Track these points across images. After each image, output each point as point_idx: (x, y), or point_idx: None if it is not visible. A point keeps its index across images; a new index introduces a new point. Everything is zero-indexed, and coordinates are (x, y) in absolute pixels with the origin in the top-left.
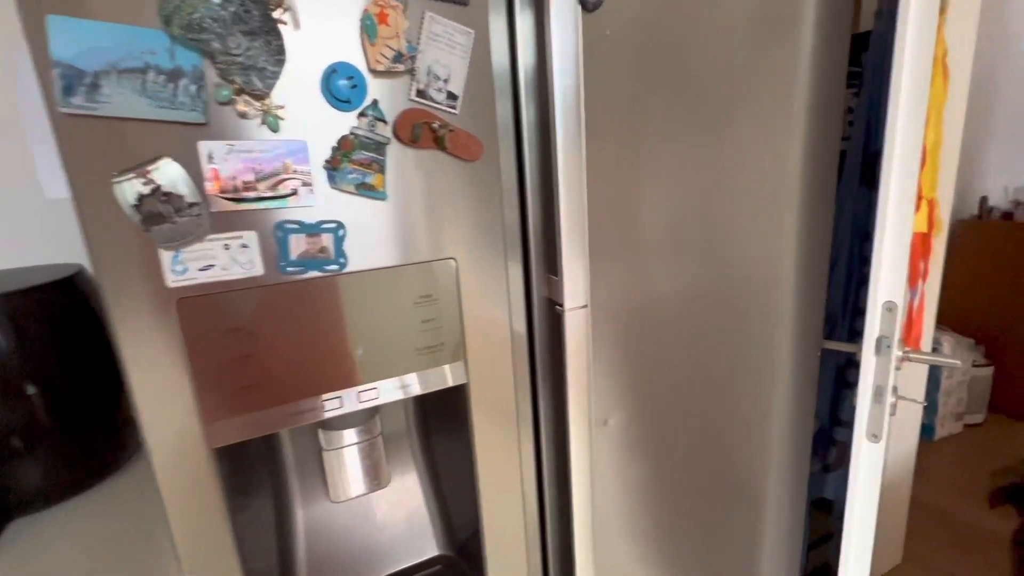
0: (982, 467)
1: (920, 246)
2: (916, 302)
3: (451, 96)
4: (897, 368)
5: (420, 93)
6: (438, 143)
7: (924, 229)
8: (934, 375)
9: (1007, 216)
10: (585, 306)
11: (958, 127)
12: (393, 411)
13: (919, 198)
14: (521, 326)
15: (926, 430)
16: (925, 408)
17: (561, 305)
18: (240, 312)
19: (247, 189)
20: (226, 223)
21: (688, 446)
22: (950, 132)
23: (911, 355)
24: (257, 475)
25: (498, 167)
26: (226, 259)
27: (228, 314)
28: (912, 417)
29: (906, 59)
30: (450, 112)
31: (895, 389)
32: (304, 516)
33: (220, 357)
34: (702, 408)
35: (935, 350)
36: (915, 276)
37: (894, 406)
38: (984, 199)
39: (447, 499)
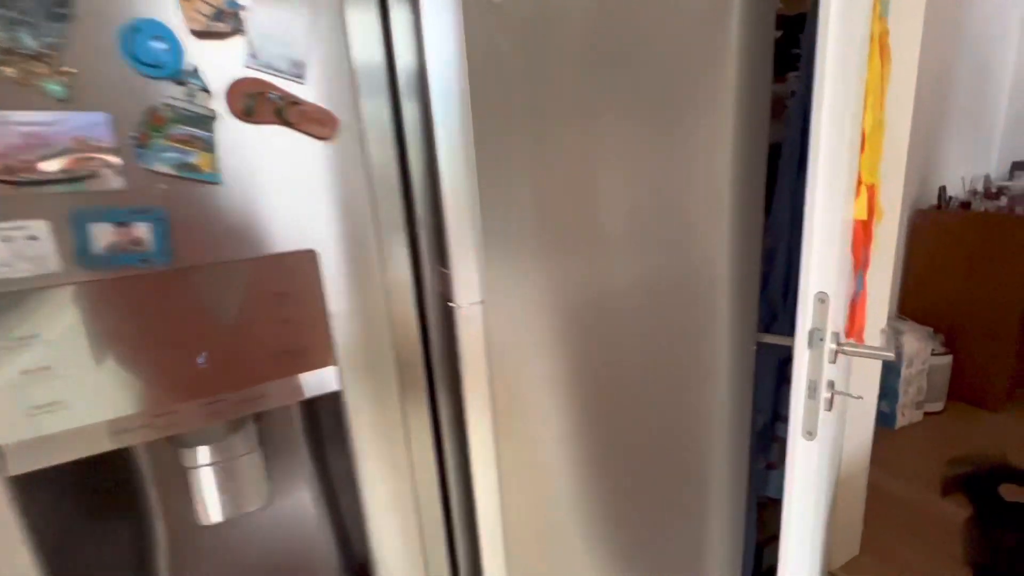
0: (941, 455)
1: (861, 234)
2: (859, 292)
3: (296, 64)
4: (831, 361)
5: (255, 59)
6: (280, 117)
7: (864, 216)
8: (894, 365)
9: (965, 206)
10: (481, 302)
11: (906, 111)
12: (281, 419)
13: (858, 183)
14: (410, 326)
15: (887, 419)
16: (886, 397)
17: (453, 302)
18: (33, 317)
19: (26, 170)
20: (4, 211)
21: (624, 447)
22: (898, 116)
23: (845, 348)
24: (110, 498)
25: (361, 146)
26: (8, 254)
27: (17, 321)
28: (868, 407)
29: (830, 38)
30: (295, 82)
31: (832, 384)
32: (169, 541)
33: (8, 373)
34: (637, 406)
35: (895, 339)
36: (856, 265)
37: (830, 401)
38: (943, 189)
39: (344, 517)
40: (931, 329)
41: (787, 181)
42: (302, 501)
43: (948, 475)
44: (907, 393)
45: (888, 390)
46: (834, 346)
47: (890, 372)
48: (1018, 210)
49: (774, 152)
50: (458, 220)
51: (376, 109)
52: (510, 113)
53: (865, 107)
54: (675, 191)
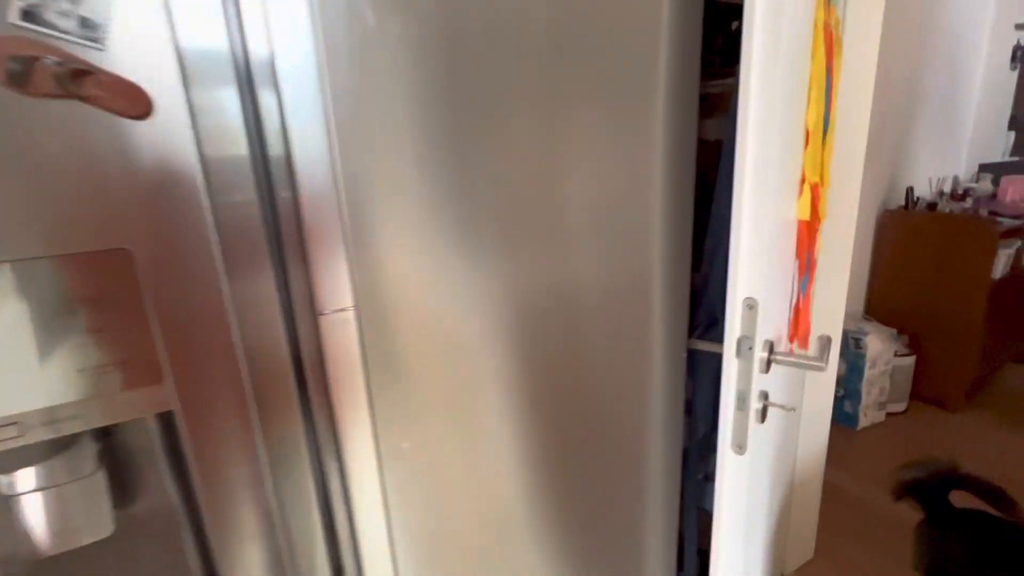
0: (902, 456)
1: (805, 235)
2: (803, 296)
3: (88, 24)
4: (763, 371)
5: (28, 15)
6: (64, 88)
7: (806, 217)
8: (857, 366)
9: (931, 207)
10: (348, 308)
11: (864, 108)
12: (136, 435)
13: (801, 182)
14: (272, 336)
15: (849, 419)
16: (849, 398)
17: (318, 309)
18: None
19: None
20: None
21: (556, 455)
22: (856, 113)
23: (776, 357)
24: None
25: (194, 133)
26: None
27: None
28: (823, 411)
29: (756, 23)
30: (89, 45)
31: (765, 394)
32: None
33: None
34: (567, 412)
35: (858, 341)
36: (801, 268)
37: (762, 412)
38: (910, 190)
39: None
40: (895, 330)
41: (727, 181)
42: (155, 528)
43: (899, 480)
44: (870, 394)
45: (851, 391)
46: (765, 355)
47: (853, 373)
48: (982, 212)
49: (718, 149)
50: (317, 219)
51: (221, 93)
52: (395, 104)
53: (808, 101)
54: (601, 189)
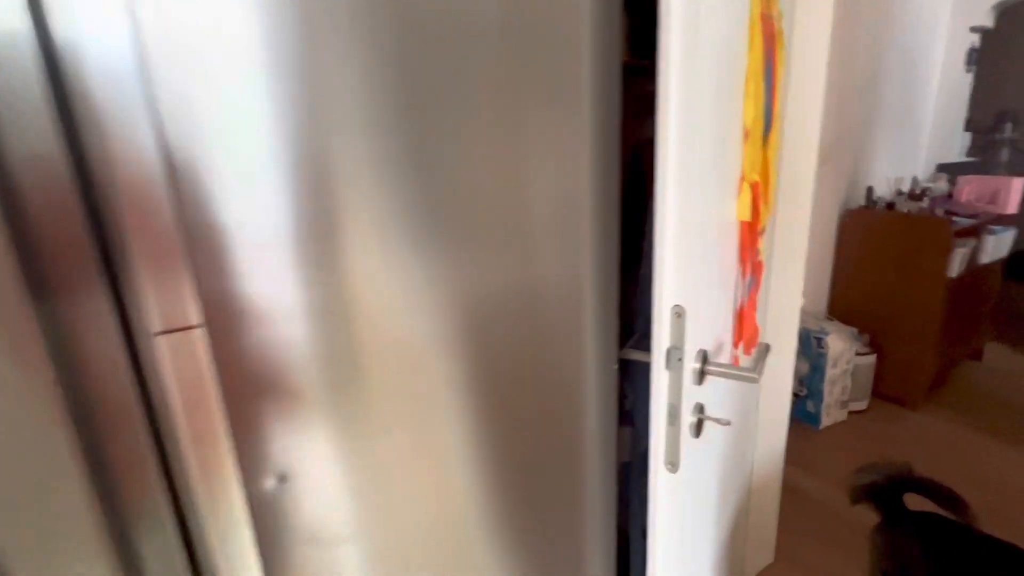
0: (863, 455)
1: (747, 236)
2: (747, 300)
3: None
4: (697, 383)
5: None
6: None
7: (747, 217)
8: (819, 365)
9: (890, 206)
10: (194, 327)
11: (815, 106)
12: None
13: (740, 181)
14: (108, 361)
15: (812, 418)
16: (811, 397)
17: (157, 328)
18: None
19: None
20: None
21: (490, 469)
22: (804, 111)
23: (710, 368)
24: None
25: None
26: None
27: None
28: (780, 416)
29: (673, 13)
30: None
31: (700, 407)
32: None
33: None
34: (500, 425)
35: (820, 341)
36: (744, 271)
37: (697, 427)
38: (870, 189)
39: None
40: (856, 329)
41: None
42: None
43: (855, 484)
44: (832, 393)
45: (814, 390)
46: (698, 365)
47: (816, 372)
48: (938, 211)
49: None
50: (141, 228)
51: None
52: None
53: (745, 96)
54: (526, 187)
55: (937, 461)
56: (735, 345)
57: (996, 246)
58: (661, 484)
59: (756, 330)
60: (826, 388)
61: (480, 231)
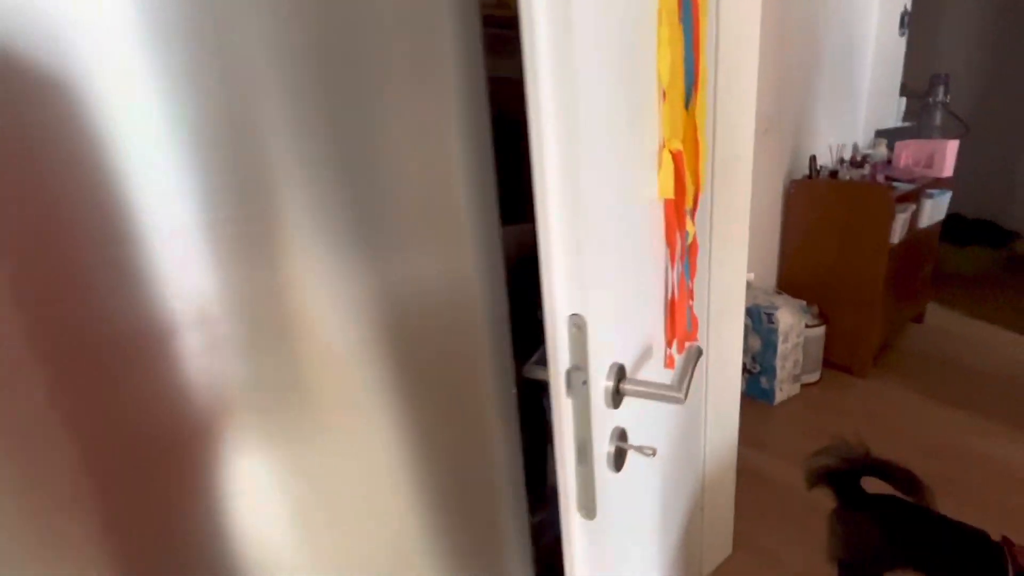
0: (818, 429)
1: (673, 217)
2: (677, 289)
3: None
4: (613, 406)
5: None
6: None
7: (670, 194)
8: (771, 341)
9: (833, 175)
10: None
11: (749, 72)
12: None
13: (660, 149)
14: None
15: (767, 395)
16: (765, 374)
17: None
18: None
19: None
20: None
21: (403, 495)
22: (739, 78)
23: (627, 386)
24: None
25: None
26: None
27: None
28: (731, 405)
29: None
30: None
31: (621, 433)
32: None
33: None
34: (412, 450)
35: (770, 316)
36: (672, 257)
37: (618, 458)
38: (813, 158)
39: None
40: (804, 302)
41: None
42: None
43: (811, 468)
44: (784, 368)
45: (767, 367)
46: (611, 384)
47: (768, 349)
48: (879, 178)
49: None
50: None
51: None
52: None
53: (659, 42)
54: (405, 177)
55: (889, 429)
56: (668, 344)
57: (934, 209)
58: (576, 531)
59: (695, 322)
60: (778, 363)
61: (384, 230)
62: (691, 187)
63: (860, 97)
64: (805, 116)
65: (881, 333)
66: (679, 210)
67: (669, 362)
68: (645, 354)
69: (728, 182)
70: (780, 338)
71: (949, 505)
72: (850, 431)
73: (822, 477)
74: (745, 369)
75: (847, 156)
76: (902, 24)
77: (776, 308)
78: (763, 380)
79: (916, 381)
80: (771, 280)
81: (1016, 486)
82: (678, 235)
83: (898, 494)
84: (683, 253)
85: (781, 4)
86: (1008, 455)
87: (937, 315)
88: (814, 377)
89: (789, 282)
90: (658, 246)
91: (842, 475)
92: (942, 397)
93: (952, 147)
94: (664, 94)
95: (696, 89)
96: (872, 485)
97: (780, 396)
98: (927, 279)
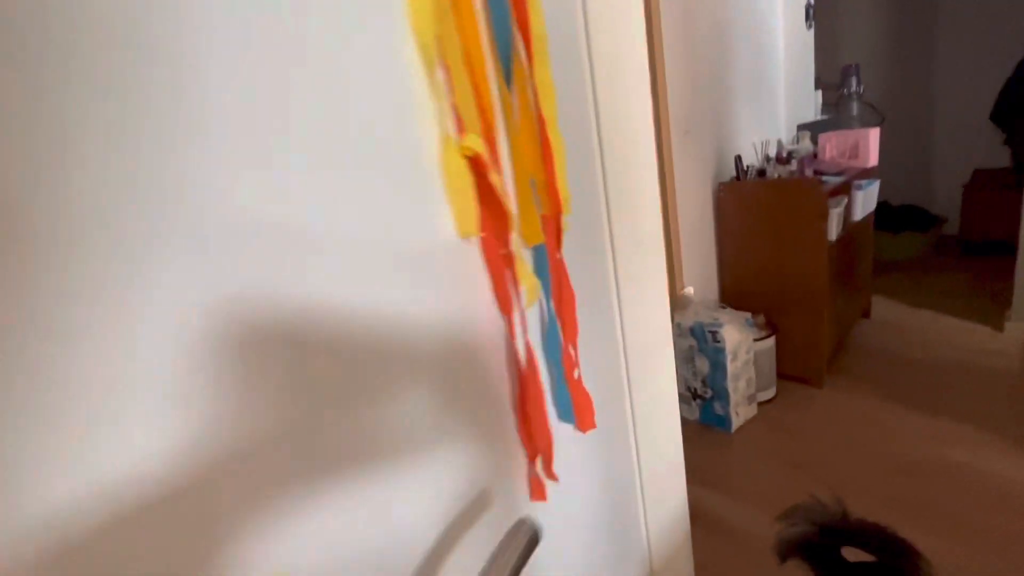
0: (782, 458)
1: (497, 263)
2: (525, 371)
3: None
4: None
5: None
6: None
7: (475, 230)
8: (719, 362)
9: (761, 174)
10: None
11: (632, 59)
12: None
13: (444, 147)
14: None
15: (723, 422)
16: (718, 398)
17: None
18: None
19: None
20: None
21: None
22: (613, 63)
23: None
24: None
25: None
26: None
27: None
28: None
29: None
30: None
31: None
32: None
33: None
34: None
35: (715, 334)
36: (510, 325)
37: None
38: (739, 158)
39: None
40: (749, 314)
41: None
42: None
43: (783, 538)
44: (737, 390)
45: (719, 390)
46: None
47: (717, 371)
48: (808, 173)
49: None
50: None
51: None
52: None
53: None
54: None
55: (858, 447)
56: (531, 459)
57: (866, 200)
58: None
59: (585, 403)
60: (730, 385)
61: None
62: (532, 209)
63: (777, 92)
64: (725, 116)
65: (832, 336)
66: (502, 250)
67: (536, 491)
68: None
69: (631, 199)
70: (728, 357)
71: (942, 537)
72: (822, 484)
73: (795, 548)
74: (696, 395)
75: (772, 153)
76: (808, 17)
77: (720, 325)
78: (717, 406)
79: (875, 385)
80: (712, 291)
81: (1015, 506)
82: (512, 290)
83: (886, 563)
84: (526, 315)
85: (684, 12)
86: (995, 469)
87: (882, 307)
88: (770, 394)
89: (731, 292)
90: (484, 316)
91: (818, 546)
92: (905, 401)
93: (874, 135)
94: (440, 60)
95: (529, 57)
96: (855, 553)
97: (737, 421)
98: (868, 272)
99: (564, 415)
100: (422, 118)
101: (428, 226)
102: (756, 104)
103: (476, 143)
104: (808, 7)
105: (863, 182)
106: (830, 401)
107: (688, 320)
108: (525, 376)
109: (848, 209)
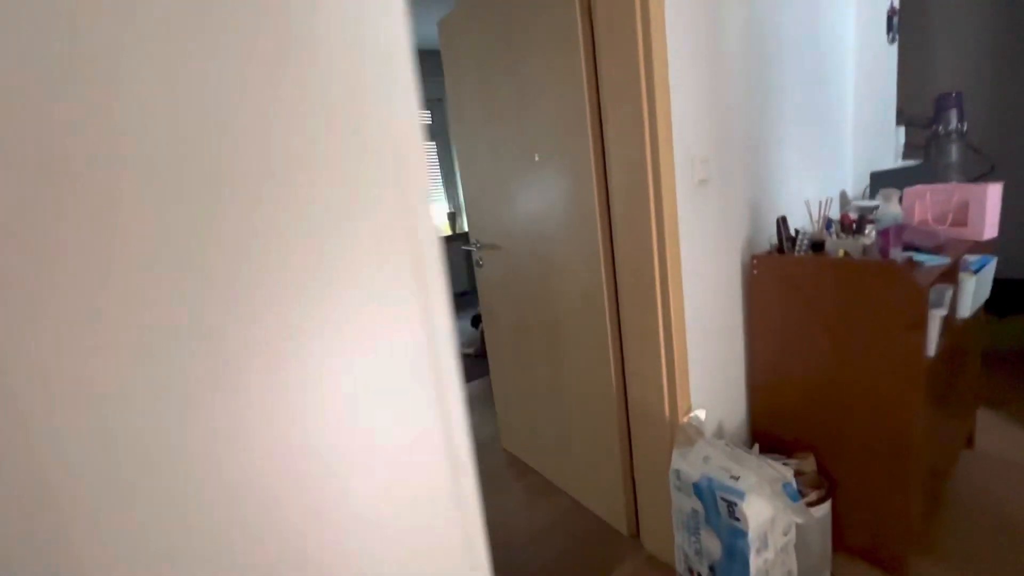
0: None
1: None
2: None
3: None
4: None
5: None
6: None
7: None
8: (737, 549)
9: (817, 247)
10: None
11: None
12: None
13: None
14: None
15: None
16: None
17: None
18: None
19: None
20: None
21: None
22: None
23: None
24: None
25: None
26: None
27: None
28: None
29: None
30: None
31: None
32: None
33: None
34: None
35: (732, 508)
36: None
37: None
38: (782, 220)
39: None
40: (791, 462)
41: None
42: None
43: None
44: None
45: None
46: None
47: (734, 560)
48: (894, 250)
49: None
50: None
51: None
52: None
53: None
54: None
55: None
56: None
57: (979, 288)
58: None
59: None
60: None
61: None
62: None
63: (843, 127)
64: (765, 155)
65: (922, 492)
66: None
67: None
68: None
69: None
70: (752, 546)
71: None
72: None
73: None
74: None
75: (835, 214)
76: (890, 28)
77: (741, 494)
78: None
79: (991, 569)
80: (737, 416)
81: None
82: None
83: None
84: None
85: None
86: None
87: (991, 429)
88: None
89: (765, 418)
90: None
91: None
92: None
93: (994, 193)
94: None
95: None
96: None
97: None
98: (975, 385)
99: None
100: None
101: None
102: (811, 141)
103: None
104: (891, 15)
105: (973, 259)
106: None
107: (693, 468)
108: None
109: (953, 302)
